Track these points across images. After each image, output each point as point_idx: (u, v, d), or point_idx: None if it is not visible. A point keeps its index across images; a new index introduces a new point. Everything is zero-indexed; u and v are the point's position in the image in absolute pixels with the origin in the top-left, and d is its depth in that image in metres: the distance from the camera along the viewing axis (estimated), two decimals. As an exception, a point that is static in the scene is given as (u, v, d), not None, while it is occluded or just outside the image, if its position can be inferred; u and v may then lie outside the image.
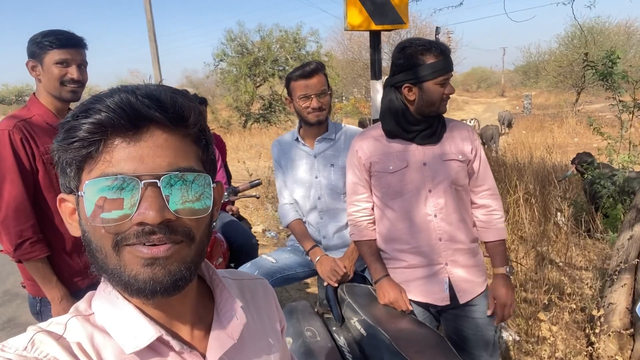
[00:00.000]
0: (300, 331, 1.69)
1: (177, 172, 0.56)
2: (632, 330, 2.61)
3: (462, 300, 1.71)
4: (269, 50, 17.98)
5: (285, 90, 2.11)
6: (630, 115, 4.46)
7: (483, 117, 21.57)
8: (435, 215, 1.68)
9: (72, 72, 1.71)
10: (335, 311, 1.87)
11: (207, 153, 0.63)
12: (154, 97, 0.56)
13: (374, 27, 3.72)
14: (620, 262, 2.68)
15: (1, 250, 1.68)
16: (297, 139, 2.13)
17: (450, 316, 1.79)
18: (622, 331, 2.61)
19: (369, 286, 2.00)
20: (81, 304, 0.63)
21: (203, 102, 3.33)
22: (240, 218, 3.27)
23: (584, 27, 21.11)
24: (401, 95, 1.65)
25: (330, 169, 2.08)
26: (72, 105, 1.80)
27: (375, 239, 1.83)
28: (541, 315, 2.97)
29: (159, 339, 0.59)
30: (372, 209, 1.82)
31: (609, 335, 2.66)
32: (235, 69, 18.14)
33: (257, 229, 5.88)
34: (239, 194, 2.62)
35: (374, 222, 1.83)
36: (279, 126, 18.13)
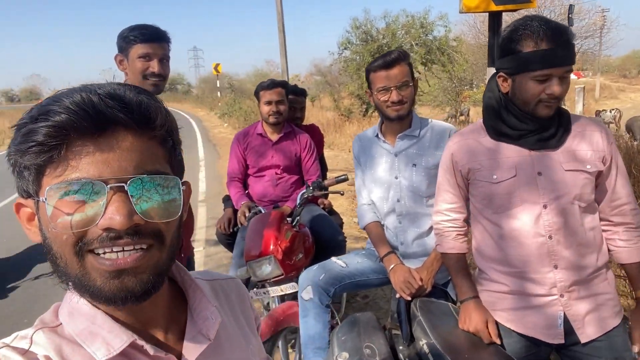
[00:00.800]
0: (358, 347, 1.56)
1: (144, 175, 0.54)
2: None
3: (584, 339, 1.40)
4: (394, 37, 17.54)
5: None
6: None
7: (642, 107, 18.52)
8: (550, 237, 1.37)
9: (154, 66, 1.78)
10: (404, 328, 1.70)
11: (174, 154, 0.61)
12: (118, 97, 0.53)
13: (494, 7, 3.34)
14: None
15: None
16: (377, 135, 1.97)
17: (573, 354, 1.46)
18: None
19: (450, 304, 1.78)
20: (47, 316, 0.61)
21: (302, 93, 3.30)
22: (332, 212, 3.20)
23: None
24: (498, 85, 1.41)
25: (412, 169, 1.88)
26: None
27: (465, 253, 1.58)
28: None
29: (132, 344, 0.58)
30: (465, 220, 1.59)
31: None
32: (359, 57, 18.11)
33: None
34: (324, 190, 2.55)
35: (465, 234, 1.59)
36: (400, 115, 17.65)
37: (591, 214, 1.42)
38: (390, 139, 1.94)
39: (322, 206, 3.09)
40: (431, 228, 1.92)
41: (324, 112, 20.69)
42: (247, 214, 2.59)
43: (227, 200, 3.03)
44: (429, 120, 1.96)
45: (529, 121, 1.36)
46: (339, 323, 1.91)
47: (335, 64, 20.27)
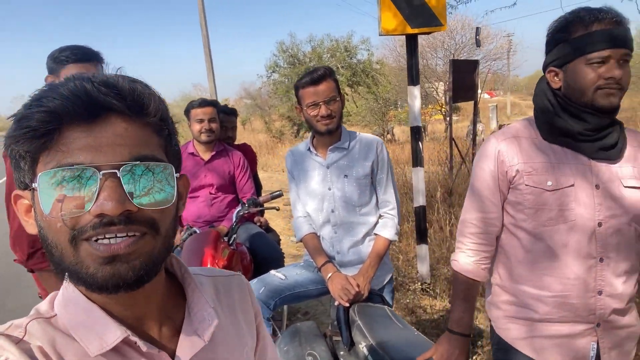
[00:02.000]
0: (300, 355, 1.58)
1: (137, 162, 0.54)
2: None
3: None
4: (320, 60, 18.09)
5: None
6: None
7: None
8: (602, 260, 1.21)
9: None
10: (344, 334, 1.74)
11: (171, 143, 0.61)
12: (111, 85, 0.54)
13: (410, 30, 3.57)
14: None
15: (15, 260, 1.72)
16: (309, 149, 2.03)
17: None
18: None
19: (386, 307, 1.86)
20: (43, 306, 0.60)
21: (233, 112, 3.32)
22: (269, 230, 3.21)
23: (661, 22, 19.46)
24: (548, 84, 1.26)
25: (344, 180, 1.96)
26: None
27: (482, 281, 1.39)
28: None
29: (125, 340, 0.57)
30: (496, 235, 1.36)
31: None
32: (287, 79, 18.41)
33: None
34: (260, 206, 2.57)
35: (490, 258, 1.38)
36: (331, 135, 18.07)
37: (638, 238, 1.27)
38: (321, 152, 2.01)
39: (258, 224, 3.09)
40: (365, 236, 2.00)
41: (255, 134, 20.66)
42: (181, 234, 2.54)
43: None
44: (357, 133, 2.05)
45: (589, 116, 1.18)
46: (278, 335, 1.92)
47: (265, 87, 20.46)
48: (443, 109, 19.44)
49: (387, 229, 1.97)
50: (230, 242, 2.41)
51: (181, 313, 0.66)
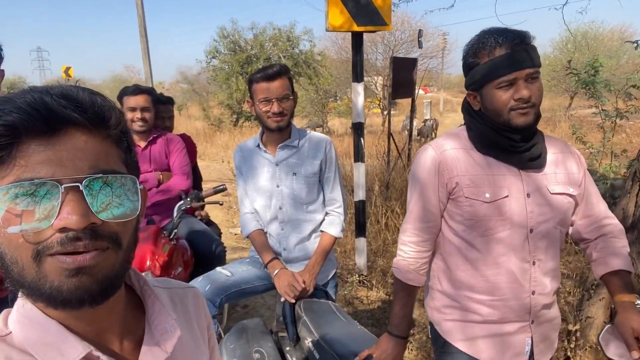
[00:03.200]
0: (248, 353, 1.59)
1: (99, 175, 0.53)
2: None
3: None
4: (262, 49, 17.84)
5: None
6: (613, 124, 4.38)
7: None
8: (534, 263, 1.31)
9: None
10: (290, 330, 1.77)
11: (130, 155, 0.61)
12: (70, 97, 0.53)
13: (356, 28, 3.63)
14: (599, 277, 2.59)
15: None
16: (258, 146, 2.02)
17: None
18: (599, 346, 2.54)
19: (330, 302, 1.91)
20: None
21: (169, 101, 3.21)
22: (210, 223, 3.16)
23: (578, 31, 21.16)
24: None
25: (292, 178, 1.98)
26: None
27: (420, 286, 1.45)
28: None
29: (88, 356, 0.56)
30: (434, 241, 1.42)
31: (586, 349, 2.59)
32: (228, 66, 17.98)
33: (238, 230, 5.77)
34: (202, 201, 2.52)
35: (428, 263, 1.44)
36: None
37: (563, 237, 1.38)
38: (271, 149, 2.00)
39: (199, 217, 3.03)
40: (311, 233, 2.03)
41: (192, 121, 20.04)
42: None
43: None
44: (307, 131, 2.07)
45: (509, 134, 1.25)
46: (222, 335, 1.91)
47: (204, 73, 19.85)
48: (381, 103, 19.94)
49: (334, 226, 2.02)
50: (171, 237, 2.35)
51: (141, 326, 0.66)
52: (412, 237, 1.39)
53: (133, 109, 2.56)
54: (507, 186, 1.28)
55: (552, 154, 1.33)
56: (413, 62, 6.36)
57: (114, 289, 0.56)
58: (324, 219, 2.06)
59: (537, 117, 1.26)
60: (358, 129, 3.77)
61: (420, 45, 6.65)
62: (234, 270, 2.02)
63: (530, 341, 1.36)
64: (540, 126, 1.34)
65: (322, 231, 2.04)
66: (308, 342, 1.61)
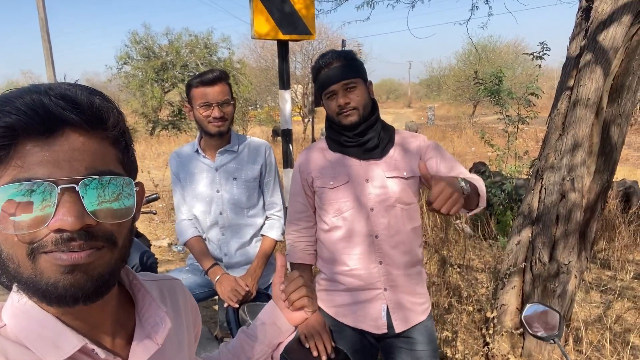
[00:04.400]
0: (195, 360, 1.56)
1: (95, 176, 0.53)
2: (522, 330, 2.80)
3: (397, 330, 1.57)
4: (178, 55, 17.31)
5: None
6: (516, 129, 4.88)
7: (391, 127, 22.55)
8: (377, 236, 1.55)
9: None
10: (235, 334, 1.76)
11: (128, 155, 0.61)
12: (69, 98, 0.53)
13: (281, 36, 3.69)
14: (510, 266, 2.87)
15: None
16: (197, 151, 2.00)
17: (387, 346, 1.65)
18: (513, 331, 2.80)
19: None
20: None
21: None
22: (138, 235, 3.04)
23: (478, 45, 23.09)
24: None
25: (232, 183, 1.98)
26: None
27: (311, 264, 1.70)
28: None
29: (83, 349, 0.56)
30: (313, 228, 1.69)
31: (502, 335, 2.83)
32: (141, 73, 17.20)
33: (162, 243, 5.56)
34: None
35: (313, 245, 1.69)
36: (190, 134, 17.47)
37: (413, 215, 1.60)
38: (210, 154, 1.99)
39: (127, 229, 2.90)
40: (252, 237, 2.05)
41: (103, 130, 18.82)
42: None
43: None
44: (246, 136, 2.08)
45: (344, 131, 1.55)
46: None
47: (114, 80, 18.78)
48: (301, 111, 20.20)
49: (274, 230, 2.05)
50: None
51: (132, 319, 0.67)
52: (294, 225, 1.69)
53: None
54: (349, 174, 1.57)
55: (396, 145, 1.60)
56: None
57: (108, 288, 0.57)
58: (264, 223, 2.08)
59: (365, 116, 1.54)
60: (286, 135, 3.82)
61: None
62: (174, 279, 1.97)
63: (386, 307, 1.57)
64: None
65: (262, 235, 2.06)
66: (255, 345, 1.63)
